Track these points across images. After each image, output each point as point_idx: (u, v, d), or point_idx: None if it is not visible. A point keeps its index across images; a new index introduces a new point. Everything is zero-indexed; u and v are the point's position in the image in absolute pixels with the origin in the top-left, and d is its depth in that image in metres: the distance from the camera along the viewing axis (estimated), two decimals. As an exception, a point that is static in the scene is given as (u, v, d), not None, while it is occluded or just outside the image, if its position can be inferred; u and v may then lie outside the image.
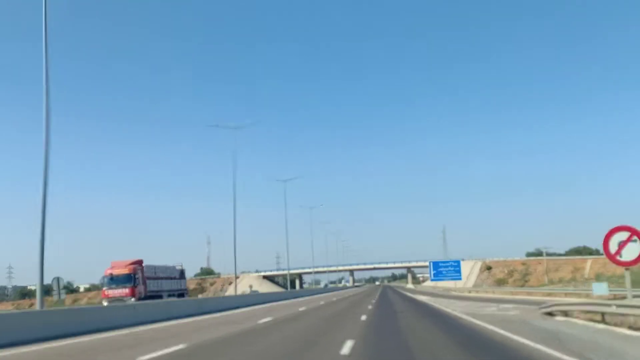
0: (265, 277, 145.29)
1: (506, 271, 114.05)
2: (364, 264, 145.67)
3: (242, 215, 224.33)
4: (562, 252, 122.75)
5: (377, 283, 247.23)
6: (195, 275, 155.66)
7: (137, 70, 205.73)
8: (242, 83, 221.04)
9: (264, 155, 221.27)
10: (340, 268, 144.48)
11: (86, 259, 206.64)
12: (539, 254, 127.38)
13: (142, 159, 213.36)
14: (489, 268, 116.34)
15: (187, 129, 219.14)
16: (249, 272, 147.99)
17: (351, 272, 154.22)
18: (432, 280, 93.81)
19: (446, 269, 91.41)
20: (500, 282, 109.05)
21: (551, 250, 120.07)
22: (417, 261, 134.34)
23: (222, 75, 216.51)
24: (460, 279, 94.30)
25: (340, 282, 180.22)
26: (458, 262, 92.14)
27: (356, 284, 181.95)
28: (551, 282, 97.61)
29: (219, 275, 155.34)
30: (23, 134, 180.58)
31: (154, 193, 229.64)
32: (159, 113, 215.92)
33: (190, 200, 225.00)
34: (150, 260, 48.52)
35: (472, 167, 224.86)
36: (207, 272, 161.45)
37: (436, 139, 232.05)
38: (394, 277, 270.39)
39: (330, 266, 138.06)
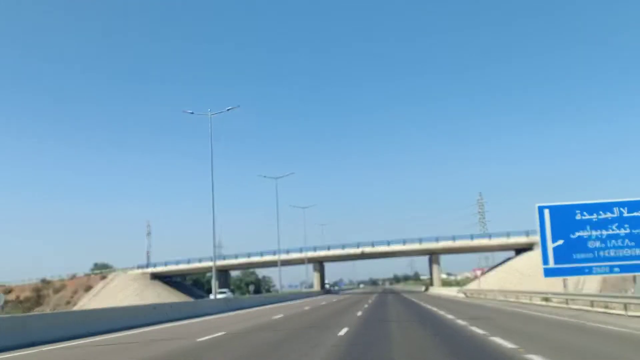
0: (156, 275, 78.57)
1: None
2: (342, 247, 77.74)
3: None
4: None
5: (361, 286, 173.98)
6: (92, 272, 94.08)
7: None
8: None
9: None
10: (295, 256, 76.38)
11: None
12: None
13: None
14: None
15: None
16: (129, 268, 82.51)
17: (318, 263, 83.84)
18: (547, 272, 23.76)
19: (605, 232, 23.92)
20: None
21: None
22: (452, 239, 66.85)
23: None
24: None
25: (334, 286, 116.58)
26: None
27: (335, 287, 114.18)
28: None
29: (113, 270, 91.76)
30: None
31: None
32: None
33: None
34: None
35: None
36: (104, 267, 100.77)
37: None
38: (396, 279, 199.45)
39: (278, 253, 68.81)
